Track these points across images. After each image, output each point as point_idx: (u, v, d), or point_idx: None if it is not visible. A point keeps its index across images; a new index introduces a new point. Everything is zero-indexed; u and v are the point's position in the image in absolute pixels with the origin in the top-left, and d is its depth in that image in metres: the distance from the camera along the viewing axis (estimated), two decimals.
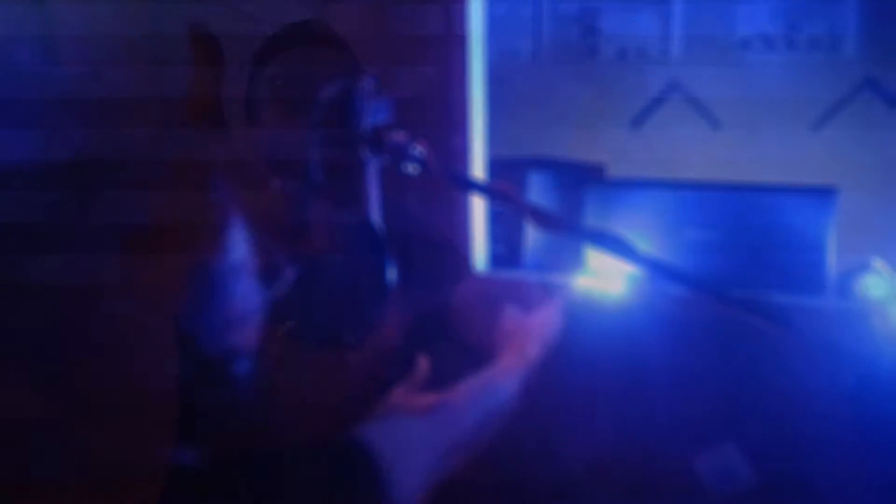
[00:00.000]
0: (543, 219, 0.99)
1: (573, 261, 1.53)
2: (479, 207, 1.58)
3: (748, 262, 1.53)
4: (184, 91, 0.75)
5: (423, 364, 1.08)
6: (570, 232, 1.01)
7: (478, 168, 1.56)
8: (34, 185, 0.63)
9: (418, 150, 1.05)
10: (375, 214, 1.10)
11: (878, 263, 1.48)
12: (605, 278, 1.43)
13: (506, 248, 1.75)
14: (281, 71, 1.11)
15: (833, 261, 1.48)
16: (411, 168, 1.06)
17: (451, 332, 1.25)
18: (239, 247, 0.73)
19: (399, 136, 1.06)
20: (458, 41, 1.51)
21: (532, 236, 1.76)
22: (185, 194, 0.68)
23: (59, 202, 0.63)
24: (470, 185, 1.27)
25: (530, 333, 1.13)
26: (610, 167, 2.04)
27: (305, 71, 1.10)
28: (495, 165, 1.62)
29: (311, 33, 1.17)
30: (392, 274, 1.02)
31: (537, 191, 1.83)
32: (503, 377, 1.06)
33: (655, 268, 0.92)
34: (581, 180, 1.73)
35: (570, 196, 1.74)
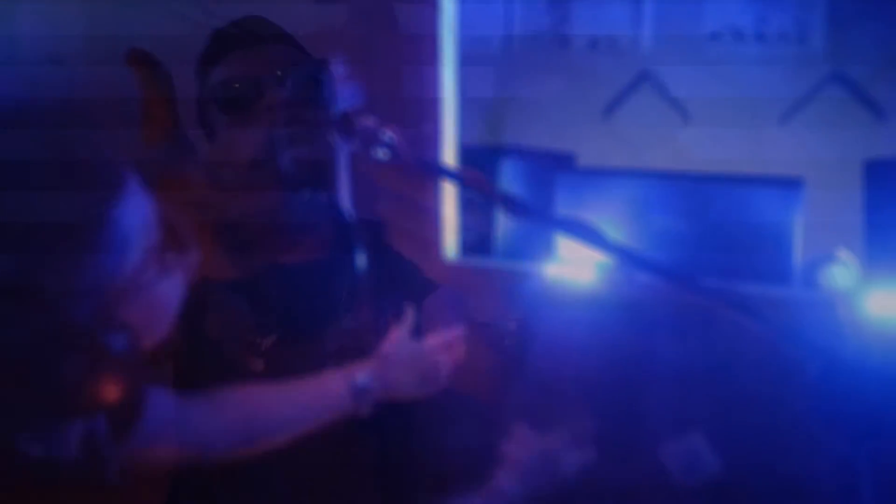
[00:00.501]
0: (514, 206, 0.98)
1: (543, 249, 1.53)
2: (449, 195, 1.57)
3: (715, 251, 1.54)
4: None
5: (409, 312, 1.06)
6: (541, 220, 1.01)
7: (449, 156, 1.55)
8: None
9: (388, 135, 1.04)
10: (345, 200, 1.09)
11: (843, 254, 1.49)
12: (575, 266, 1.43)
13: (476, 237, 1.75)
14: (232, 71, 1.08)
15: (799, 251, 1.49)
16: (381, 154, 1.05)
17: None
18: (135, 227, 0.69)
19: (369, 122, 1.05)
20: (430, 28, 1.50)
21: (503, 224, 1.76)
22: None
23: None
24: (441, 172, 1.27)
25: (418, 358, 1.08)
26: (580, 156, 2.04)
27: (256, 68, 1.07)
28: (466, 153, 1.61)
29: (255, 31, 1.13)
30: (362, 261, 1.01)
31: (508, 179, 1.83)
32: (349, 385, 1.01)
33: (625, 256, 0.92)
34: (552, 169, 1.73)
35: (540, 185, 1.74)
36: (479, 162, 1.72)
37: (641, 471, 1.38)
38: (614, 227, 1.44)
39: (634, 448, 1.40)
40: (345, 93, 1.07)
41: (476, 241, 1.74)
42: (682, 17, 2.18)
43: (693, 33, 2.18)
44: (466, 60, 1.63)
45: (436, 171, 1.28)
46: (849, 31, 2.05)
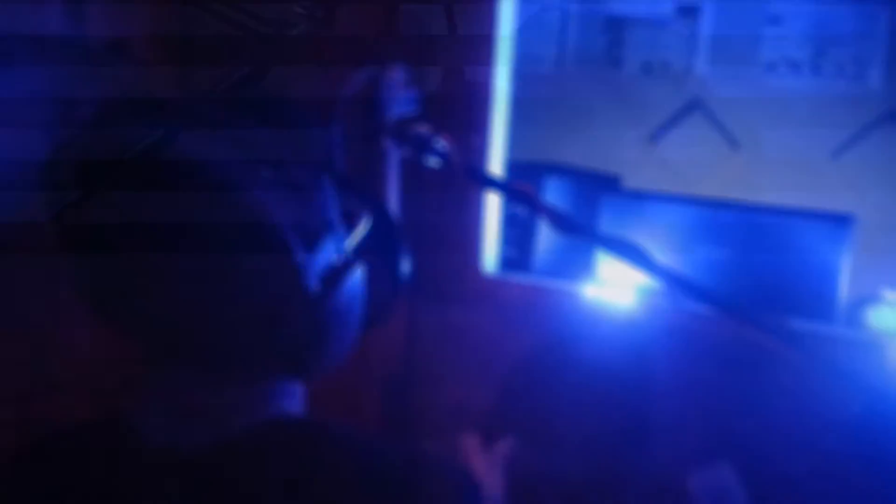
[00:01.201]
0: (562, 222, 0.98)
1: (583, 268, 1.52)
2: (493, 209, 1.57)
3: (758, 283, 1.52)
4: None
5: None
6: (589, 237, 1.00)
7: (495, 169, 1.55)
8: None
9: (441, 143, 1.05)
10: (393, 205, 1.09)
11: (889, 295, 1.47)
12: (614, 288, 1.42)
13: (517, 252, 1.74)
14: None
15: (844, 289, 1.47)
16: (433, 161, 1.05)
17: None
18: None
19: (423, 129, 1.05)
20: (485, 42, 1.50)
21: (543, 241, 1.75)
22: None
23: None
24: (490, 183, 1.27)
25: None
26: (626, 178, 2.03)
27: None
28: (512, 168, 1.61)
29: None
30: (406, 266, 1.01)
31: (553, 196, 1.82)
32: None
33: (674, 280, 0.92)
34: (597, 189, 1.73)
35: (585, 204, 1.73)
36: (524, 178, 1.72)
37: (668, 498, 1.37)
38: (657, 252, 1.42)
39: (662, 475, 1.38)
40: (401, 99, 1.08)
41: (516, 256, 1.74)
42: (738, 46, 2.17)
43: (748, 62, 2.16)
44: (519, 76, 1.63)
45: (486, 182, 1.29)
46: None
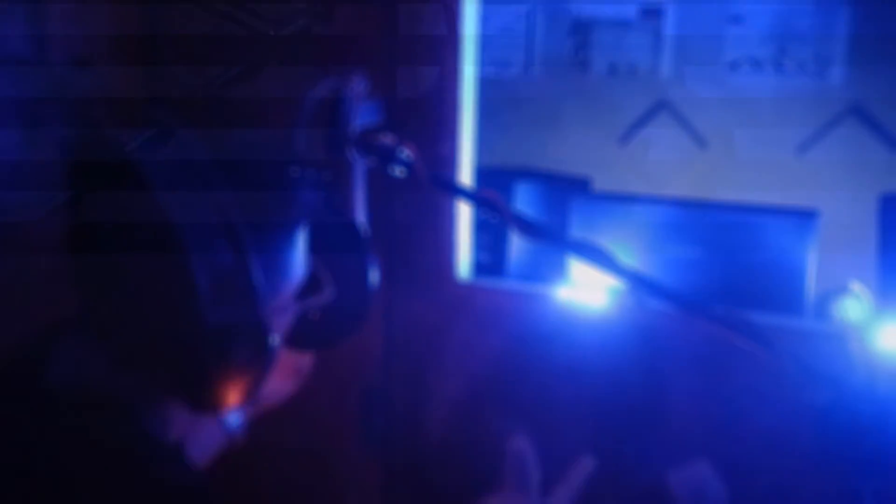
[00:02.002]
0: (528, 228, 0.99)
1: (556, 272, 1.53)
2: (464, 215, 1.58)
3: (728, 280, 1.54)
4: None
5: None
6: (555, 242, 1.01)
7: (465, 176, 1.56)
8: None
9: (406, 153, 1.05)
10: (361, 215, 1.10)
11: (856, 287, 1.49)
12: (587, 290, 1.43)
13: (490, 257, 1.76)
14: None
15: (812, 283, 1.49)
16: (398, 171, 1.06)
17: None
18: None
19: (387, 139, 1.06)
20: (450, 49, 1.51)
21: (516, 246, 1.76)
22: None
23: None
24: (456, 191, 1.28)
25: None
26: (596, 181, 2.05)
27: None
28: (482, 174, 1.62)
29: None
30: (375, 276, 1.02)
31: (523, 201, 1.84)
32: None
33: (637, 281, 0.93)
34: (567, 192, 1.74)
35: (555, 207, 1.75)
36: (494, 183, 1.73)
37: (647, 497, 1.38)
38: (628, 253, 1.44)
39: (640, 474, 1.39)
40: (364, 109, 1.08)
41: (490, 261, 1.75)
42: (702, 47, 2.20)
43: (712, 61, 2.19)
44: (486, 82, 1.64)
45: (452, 190, 1.29)
46: (868, 66, 2.06)
